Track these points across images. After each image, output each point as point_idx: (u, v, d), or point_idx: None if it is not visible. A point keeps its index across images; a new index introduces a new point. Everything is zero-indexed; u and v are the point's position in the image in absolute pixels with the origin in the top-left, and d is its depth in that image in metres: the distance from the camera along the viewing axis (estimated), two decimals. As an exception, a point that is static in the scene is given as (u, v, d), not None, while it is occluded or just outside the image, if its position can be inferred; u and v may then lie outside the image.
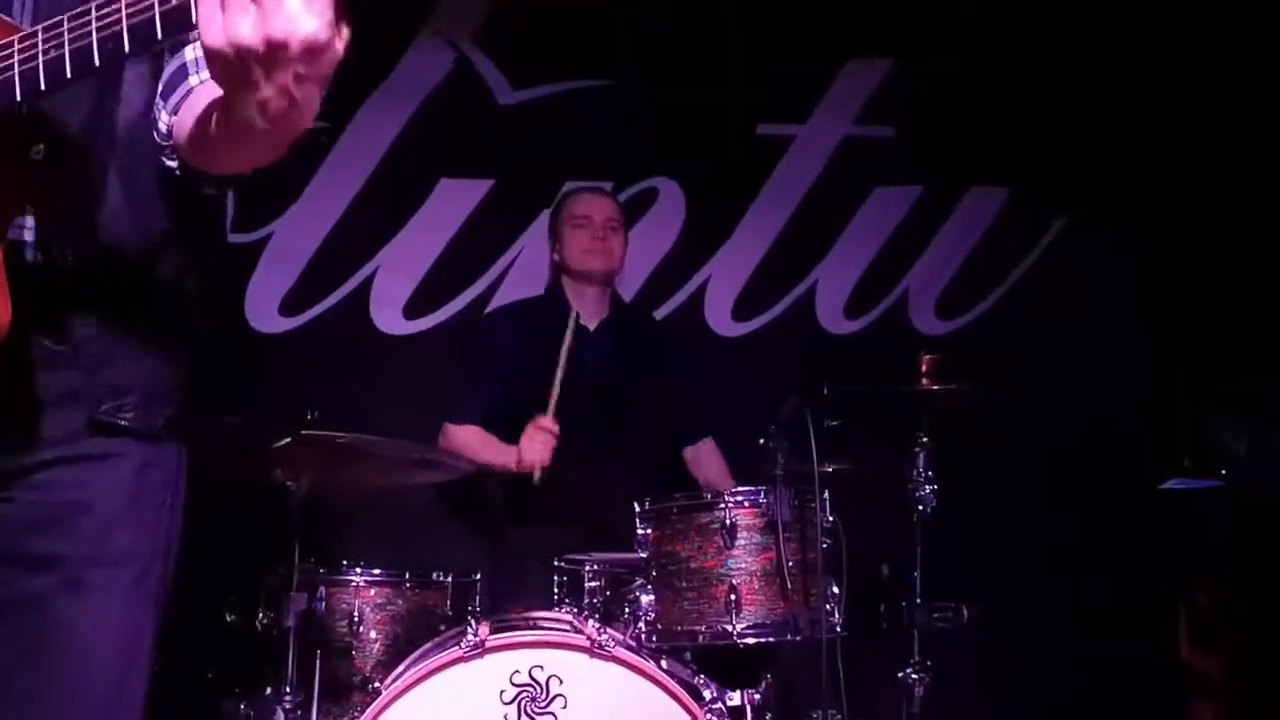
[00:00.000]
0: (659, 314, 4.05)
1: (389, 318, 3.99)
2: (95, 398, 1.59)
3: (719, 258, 4.11)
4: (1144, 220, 4.07)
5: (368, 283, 3.97)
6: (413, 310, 4.00)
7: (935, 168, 4.14)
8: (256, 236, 3.92)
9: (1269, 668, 3.23)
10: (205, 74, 1.47)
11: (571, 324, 3.39)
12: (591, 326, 3.61)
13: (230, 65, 1.24)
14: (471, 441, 3.43)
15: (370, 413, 3.59)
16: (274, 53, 1.22)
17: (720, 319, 4.11)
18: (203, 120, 1.44)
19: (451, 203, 4.01)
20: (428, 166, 4.00)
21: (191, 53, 1.53)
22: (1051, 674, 3.89)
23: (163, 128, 1.55)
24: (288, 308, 3.94)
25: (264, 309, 3.93)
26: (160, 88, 1.55)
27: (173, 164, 1.56)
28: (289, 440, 2.73)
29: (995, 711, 3.83)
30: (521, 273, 4.00)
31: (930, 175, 4.15)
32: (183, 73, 1.54)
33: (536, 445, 3.32)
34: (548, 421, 3.32)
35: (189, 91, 1.52)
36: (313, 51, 1.21)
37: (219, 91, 1.35)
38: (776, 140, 4.14)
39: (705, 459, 3.70)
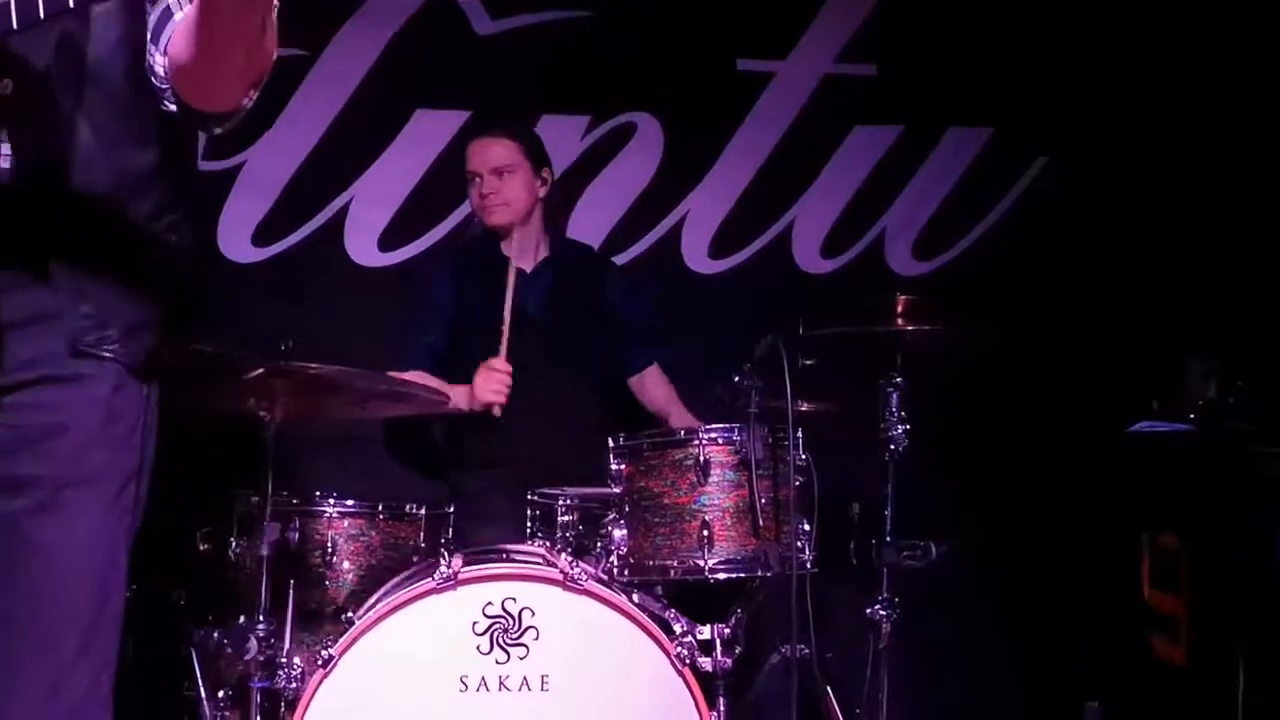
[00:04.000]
0: (635, 250, 4.03)
1: (363, 249, 3.96)
2: (76, 328, 1.61)
3: (697, 194, 4.08)
4: (1123, 160, 4.08)
5: (342, 213, 3.93)
6: (387, 242, 3.97)
7: (916, 107, 4.11)
8: (229, 164, 3.86)
9: (1229, 610, 3.29)
10: (187, 6, 1.54)
11: (512, 276, 3.32)
12: (529, 268, 3.55)
13: None
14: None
15: (344, 344, 3.58)
16: None
17: (697, 256, 4.09)
18: (189, 36, 1.49)
19: (428, 133, 3.96)
20: (404, 96, 3.95)
21: None
22: (1016, 612, 3.95)
23: (159, 70, 1.58)
24: (261, 237, 3.90)
25: (236, 238, 3.89)
26: (149, 33, 1.59)
27: (172, 107, 1.59)
28: (262, 370, 2.72)
29: (960, 648, 3.89)
30: (497, 206, 3.96)
31: (911, 114, 4.13)
32: (168, 14, 1.58)
33: (492, 385, 3.31)
34: (499, 362, 3.31)
35: (175, 28, 1.56)
36: None
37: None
38: (756, 76, 4.11)
39: (651, 385, 3.67)
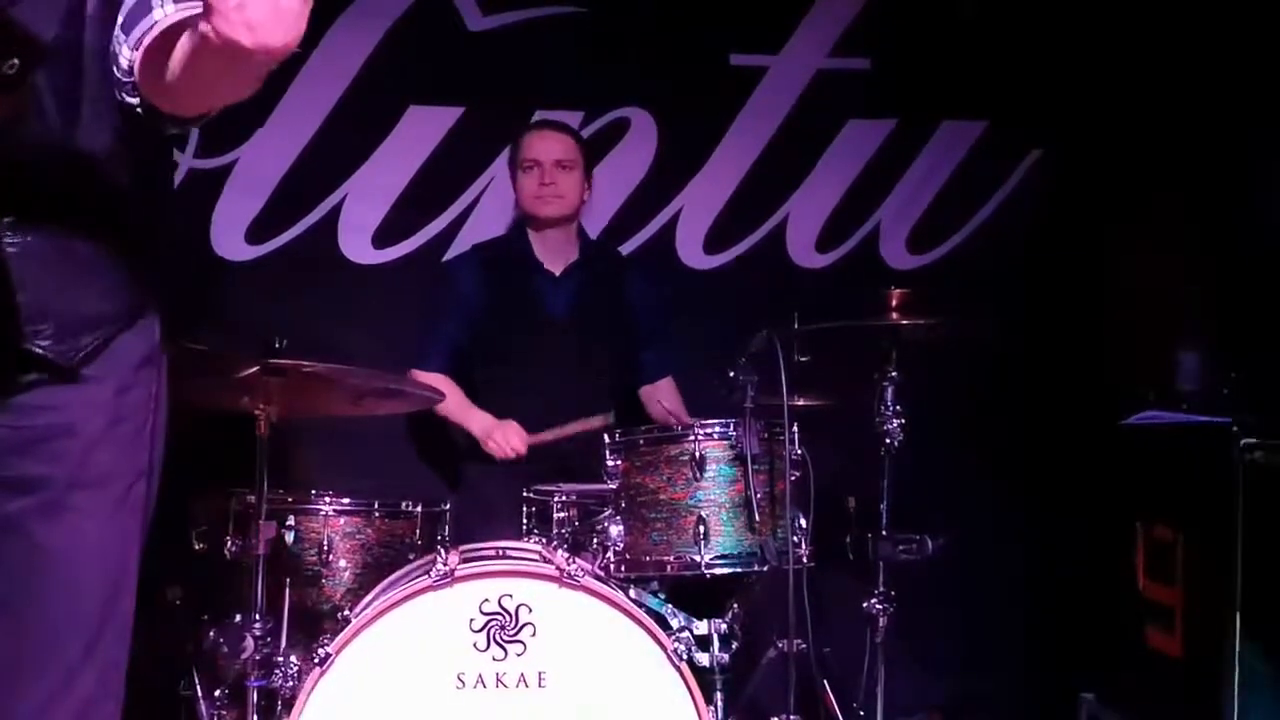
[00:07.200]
0: (630, 245, 4.02)
1: (357, 246, 3.95)
2: (8, 317, 1.53)
3: (691, 189, 4.08)
4: (1117, 152, 4.07)
5: (336, 210, 3.92)
6: (381, 239, 3.96)
7: (910, 100, 4.11)
8: (222, 162, 3.85)
9: (1224, 601, 3.29)
10: (169, 6, 1.43)
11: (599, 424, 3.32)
12: (558, 271, 3.58)
13: None
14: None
15: (338, 341, 3.58)
16: None
17: (691, 251, 4.09)
18: (178, 50, 1.39)
19: (421, 130, 3.95)
20: (397, 93, 3.94)
21: None
22: (1012, 604, 3.96)
23: (124, 63, 1.48)
24: (254, 235, 3.89)
25: (230, 236, 3.88)
26: (121, 20, 1.48)
27: (133, 100, 1.50)
28: (256, 368, 2.71)
29: (956, 641, 3.90)
30: (492, 202, 3.96)
31: (905, 108, 4.12)
32: (145, 6, 1.47)
33: (502, 447, 3.34)
34: (523, 439, 3.34)
35: (152, 25, 1.45)
36: None
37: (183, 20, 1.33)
38: (750, 71, 4.10)
39: (663, 397, 3.69)
